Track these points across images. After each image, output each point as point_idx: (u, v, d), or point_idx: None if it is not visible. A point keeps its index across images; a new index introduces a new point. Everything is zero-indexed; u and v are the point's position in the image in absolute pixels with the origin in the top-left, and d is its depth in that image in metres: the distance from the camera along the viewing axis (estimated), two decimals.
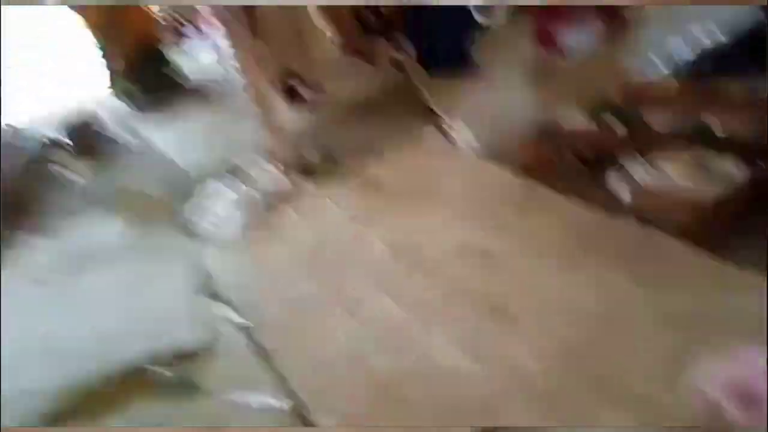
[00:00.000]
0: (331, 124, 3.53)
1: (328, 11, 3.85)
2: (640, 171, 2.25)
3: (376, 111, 3.54)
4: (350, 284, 2.25)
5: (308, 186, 3.02)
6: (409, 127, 3.23)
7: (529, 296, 1.97)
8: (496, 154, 2.81)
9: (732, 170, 2.07)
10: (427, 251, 2.31)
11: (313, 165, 3.13)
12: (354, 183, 2.95)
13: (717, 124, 2.30)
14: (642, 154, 2.35)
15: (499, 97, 3.31)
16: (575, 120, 2.66)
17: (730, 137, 2.24)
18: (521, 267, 2.11)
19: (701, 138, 2.29)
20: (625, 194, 2.25)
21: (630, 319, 1.79)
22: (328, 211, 2.79)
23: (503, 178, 2.65)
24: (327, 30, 3.92)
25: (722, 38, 2.67)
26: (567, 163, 2.58)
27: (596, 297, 1.89)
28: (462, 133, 2.96)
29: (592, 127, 2.58)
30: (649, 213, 2.12)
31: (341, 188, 2.94)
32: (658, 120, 2.45)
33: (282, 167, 3.12)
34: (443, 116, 3.18)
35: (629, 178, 2.26)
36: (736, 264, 1.84)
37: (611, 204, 2.26)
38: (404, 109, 3.43)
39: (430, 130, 3.16)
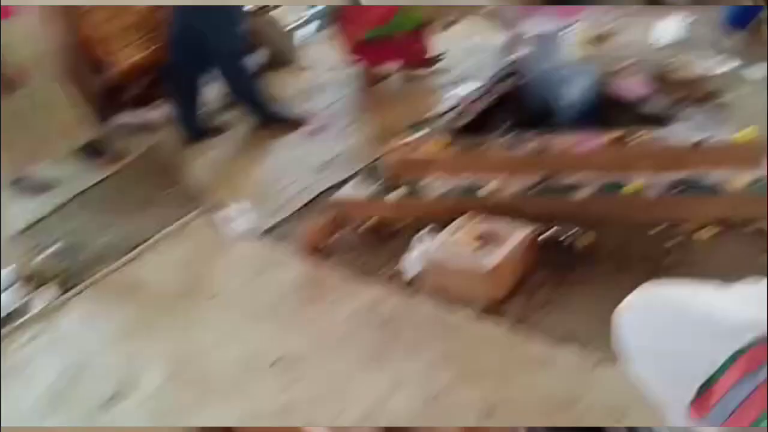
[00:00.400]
0: (71, 220, 3.01)
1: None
2: (427, 244, 2.20)
3: (126, 198, 3.11)
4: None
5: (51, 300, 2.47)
6: (174, 214, 2.85)
7: (336, 404, 1.76)
8: (282, 237, 2.58)
9: (516, 233, 2.09)
10: (214, 367, 1.98)
11: (52, 271, 2.57)
12: (113, 290, 2.49)
13: (494, 185, 2.36)
14: (425, 225, 2.32)
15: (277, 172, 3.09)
16: (359, 191, 2.55)
17: (509, 198, 2.30)
18: (322, 372, 1.89)
19: (480, 201, 2.33)
20: (415, 270, 2.17)
21: (446, 415, 1.67)
22: (84, 329, 2.30)
23: (291, 265, 2.41)
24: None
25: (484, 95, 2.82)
26: (355, 241, 2.46)
27: (407, 395, 1.74)
28: (239, 218, 2.67)
29: (376, 198, 2.49)
30: (443, 290, 2.06)
31: (97, 300, 2.46)
32: (437, 186, 2.45)
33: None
34: (215, 198, 2.86)
35: (419, 253, 2.18)
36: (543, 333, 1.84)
37: (407, 282, 2.17)
38: (162, 192, 3.06)
39: (198, 217, 2.81)
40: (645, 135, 2.23)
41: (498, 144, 2.44)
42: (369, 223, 2.47)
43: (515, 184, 2.33)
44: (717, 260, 1.98)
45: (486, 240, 2.08)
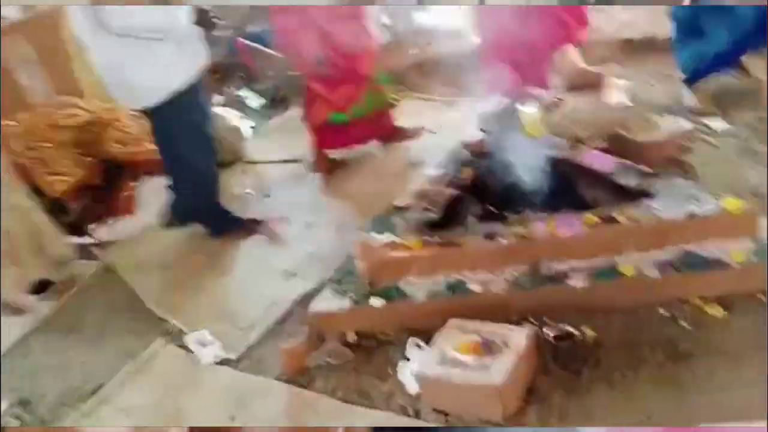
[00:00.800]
0: (24, 361, 2.67)
1: None
2: (421, 357, 2.01)
3: (82, 329, 2.78)
4: None
5: None
6: (135, 344, 2.57)
7: None
8: (257, 361, 2.34)
9: (516, 338, 1.93)
10: None
11: None
12: None
13: (480, 281, 2.21)
14: (412, 331, 2.15)
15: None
16: (335, 301, 2.35)
17: (497, 294, 2.15)
18: None
19: (467, 300, 2.17)
20: (414, 389, 1.97)
21: None
22: None
23: (274, 393, 2.16)
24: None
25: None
26: (339, 356, 2.25)
27: None
28: (207, 345, 2.42)
29: (355, 308, 2.29)
30: (450, 408, 1.87)
31: None
32: (419, 288, 2.28)
33: None
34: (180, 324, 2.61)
35: (415, 369, 1.99)
36: None
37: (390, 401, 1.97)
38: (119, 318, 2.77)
39: (163, 345, 2.54)
40: (630, 211, 2.14)
41: (476, 235, 2.30)
42: (351, 336, 2.28)
43: (501, 278, 2.19)
44: (733, 338, 1.87)
45: (486, 349, 1.91)
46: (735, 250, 2.00)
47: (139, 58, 2.61)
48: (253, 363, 2.33)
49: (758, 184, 2.44)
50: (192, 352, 2.42)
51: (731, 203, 2.03)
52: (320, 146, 3.52)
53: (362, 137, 3.54)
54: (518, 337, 1.93)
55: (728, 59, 3.04)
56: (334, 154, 3.58)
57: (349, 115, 3.39)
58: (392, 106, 3.57)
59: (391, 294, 2.27)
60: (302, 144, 3.67)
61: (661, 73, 3.49)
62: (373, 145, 3.57)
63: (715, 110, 3.00)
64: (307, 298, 2.53)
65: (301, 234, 3.07)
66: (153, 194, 3.37)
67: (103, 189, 3.29)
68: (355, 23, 3.26)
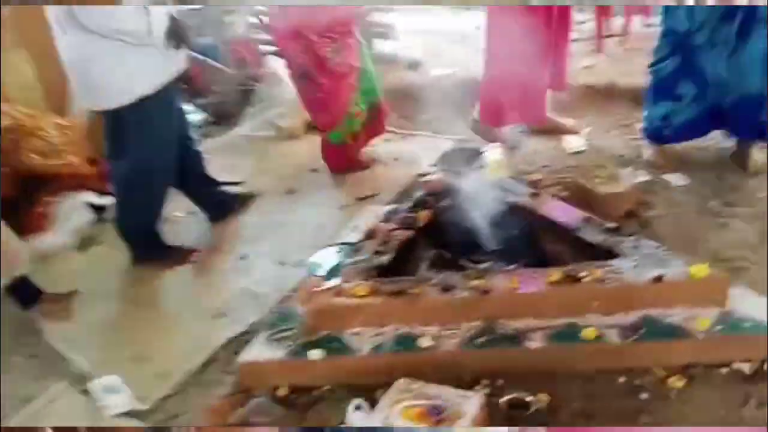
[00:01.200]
0: None
1: None
2: (362, 420, 1.79)
3: None
4: None
5: None
6: (30, 387, 2.22)
7: None
8: (173, 414, 2.05)
9: (468, 404, 1.73)
10: None
11: None
12: None
13: (431, 336, 2.01)
14: (354, 388, 1.93)
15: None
16: (269, 350, 2.10)
17: (449, 351, 1.96)
18: None
19: (416, 357, 1.97)
20: None
21: None
22: None
23: None
24: None
25: None
26: (270, 412, 2.00)
27: None
28: (115, 393, 2.11)
29: (292, 358, 2.05)
30: None
31: None
32: (364, 340, 2.07)
33: None
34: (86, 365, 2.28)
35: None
36: None
37: None
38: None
39: (64, 389, 2.21)
40: (595, 271, 2.00)
41: (432, 286, 2.10)
42: (284, 390, 2.03)
43: (454, 334, 2.00)
44: (695, 410, 1.74)
45: (436, 415, 1.71)
46: (701, 318, 1.88)
47: (110, 57, 2.41)
48: (166, 416, 2.04)
49: (720, 248, 2.37)
50: (98, 400, 2.10)
51: (699, 269, 1.91)
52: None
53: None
54: (470, 404, 1.73)
55: (699, 129, 2.93)
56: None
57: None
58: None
59: (333, 345, 2.04)
60: (246, 166, 3.42)
61: (622, 123, 3.44)
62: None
63: (674, 165, 2.94)
64: (235, 343, 2.28)
65: (234, 267, 2.81)
66: (72, 212, 3.03)
67: (15, 203, 2.91)
68: (343, 40, 3.13)
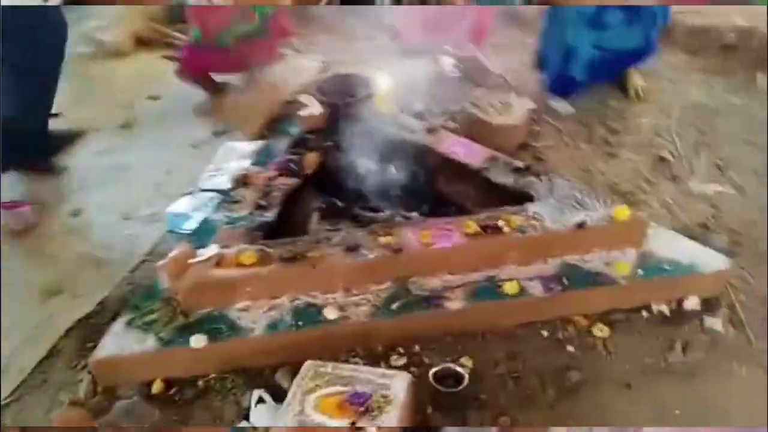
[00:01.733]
0: None
1: None
2: (268, 419, 1.48)
3: None
4: None
5: None
6: None
7: None
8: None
9: (397, 387, 1.48)
10: None
11: None
12: None
13: (337, 306, 1.71)
14: (246, 376, 1.59)
15: None
16: (133, 340, 1.66)
17: (359, 321, 1.67)
18: None
19: (322, 332, 1.67)
20: None
21: None
22: None
23: None
24: None
25: None
26: (139, 414, 1.60)
27: None
28: None
29: (165, 349, 1.63)
30: None
31: None
32: (255, 317, 1.69)
33: None
34: None
35: None
36: None
37: None
38: None
39: None
40: (512, 219, 1.80)
41: (331, 246, 1.77)
42: (158, 386, 1.63)
43: (364, 300, 1.72)
44: (622, 361, 1.67)
45: (360, 404, 1.44)
46: (620, 263, 1.78)
47: None
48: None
49: (616, 181, 2.30)
50: None
51: (621, 212, 1.79)
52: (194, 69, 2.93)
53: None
54: (395, 386, 1.49)
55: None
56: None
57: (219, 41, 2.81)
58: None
59: (217, 328, 1.66)
60: (63, 93, 2.74)
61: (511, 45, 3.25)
62: None
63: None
64: (81, 329, 1.81)
65: (65, 226, 2.25)
66: None
67: None
68: None
